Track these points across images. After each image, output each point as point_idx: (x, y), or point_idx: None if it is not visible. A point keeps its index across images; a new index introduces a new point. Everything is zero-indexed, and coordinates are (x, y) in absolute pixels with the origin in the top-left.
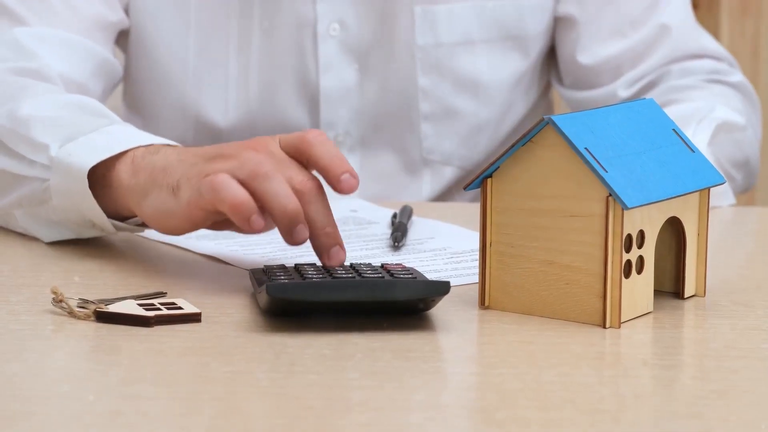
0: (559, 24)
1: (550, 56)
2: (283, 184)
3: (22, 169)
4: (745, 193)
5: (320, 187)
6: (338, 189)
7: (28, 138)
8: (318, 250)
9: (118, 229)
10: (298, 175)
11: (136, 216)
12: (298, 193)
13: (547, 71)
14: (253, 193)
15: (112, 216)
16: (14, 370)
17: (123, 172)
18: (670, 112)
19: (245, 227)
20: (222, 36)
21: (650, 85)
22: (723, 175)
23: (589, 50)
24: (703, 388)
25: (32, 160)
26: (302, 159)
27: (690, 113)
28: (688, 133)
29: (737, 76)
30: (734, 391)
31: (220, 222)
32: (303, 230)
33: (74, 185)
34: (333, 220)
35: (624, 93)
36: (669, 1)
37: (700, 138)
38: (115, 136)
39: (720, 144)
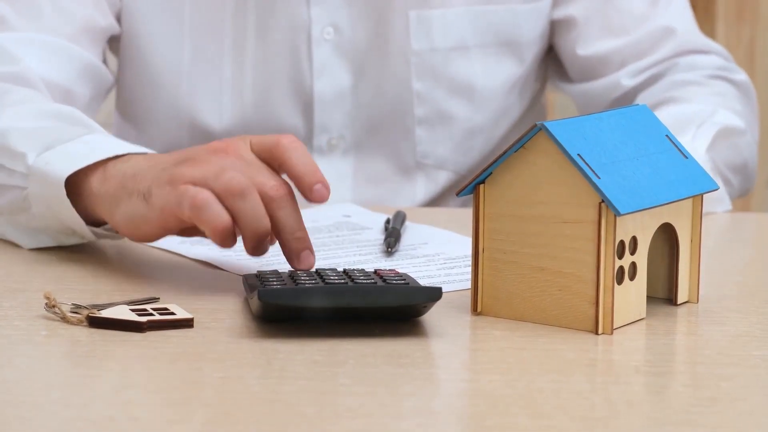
0: (558, 27)
1: (551, 58)
2: (257, 202)
3: (2, 178)
4: (741, 199)
5: (291, 192)
6: (310, 198)
7: (6, 147)
8: (288, 255)
9: (97, 236)
10: (270, 181)
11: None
12: (269, 198)
13: (541, 76)
14: (228, 210)
15: (90, 223)
16: (6, 375)
17: (94, 181)
18: (671, 112)
19: (219, 245)
20: (216, 40)
21: (655, 77)
22: (721, 179)
23: (591, 44)
24: (695, 396)
25: (11, 169)
26: (274, 164)
27: (690, 116)
28: (688, 137)
29: (742, 75)
30: (726, 399)
31: (188, 228)
32: (266, 245)
33: (52, 193)
34: (303, 224)
35: (628, 82)
36: (669, 2)
37: (699, 142)
38: (92, 145)
39: (719, 148)
